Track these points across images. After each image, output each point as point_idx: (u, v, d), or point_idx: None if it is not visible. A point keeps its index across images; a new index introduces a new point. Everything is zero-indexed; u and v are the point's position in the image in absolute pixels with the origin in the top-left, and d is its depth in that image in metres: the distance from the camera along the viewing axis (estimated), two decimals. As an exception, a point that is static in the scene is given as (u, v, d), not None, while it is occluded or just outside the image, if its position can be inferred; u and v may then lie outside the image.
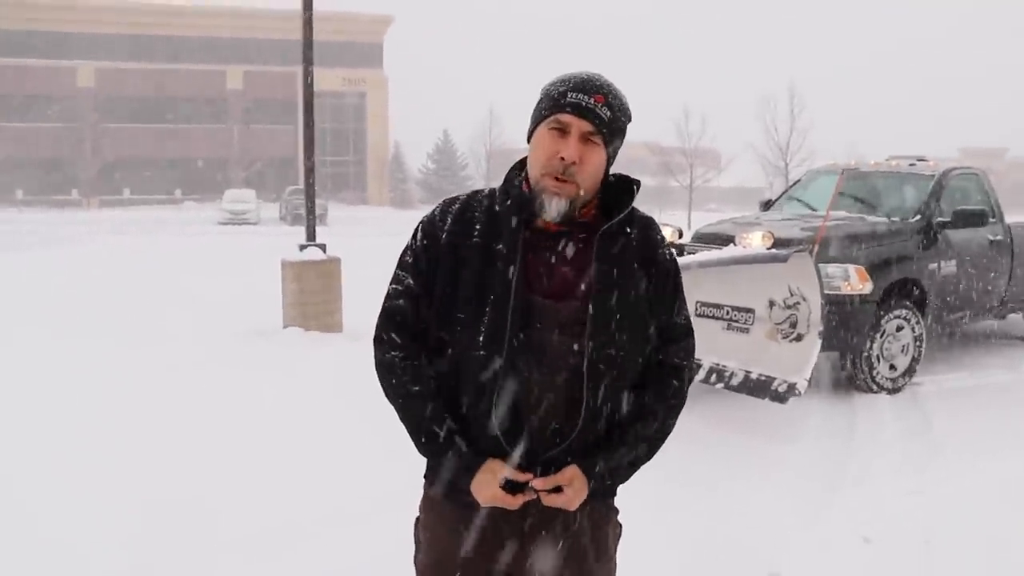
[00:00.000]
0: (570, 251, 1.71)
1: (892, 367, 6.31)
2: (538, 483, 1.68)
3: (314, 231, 8.67)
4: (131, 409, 5.35)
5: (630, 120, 1.74)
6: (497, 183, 1.83)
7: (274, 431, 4.94)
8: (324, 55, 31.32)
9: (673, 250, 1.86)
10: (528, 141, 1.74)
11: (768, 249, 5.53)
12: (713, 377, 5.27)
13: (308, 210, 8.75)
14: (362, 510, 3.75)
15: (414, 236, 1.78)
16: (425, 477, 1.84)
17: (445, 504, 1.78)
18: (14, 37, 47.49)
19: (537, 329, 1.67)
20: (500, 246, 1.69)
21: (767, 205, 8.38)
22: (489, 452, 1.69)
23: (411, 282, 1.75)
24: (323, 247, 8.34)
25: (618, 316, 1.69)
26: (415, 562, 1.88)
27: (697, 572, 3.40)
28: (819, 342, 4.93)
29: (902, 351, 6.34)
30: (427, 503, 1.84)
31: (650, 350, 1.77)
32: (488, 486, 1.67)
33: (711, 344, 5.28)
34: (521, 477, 1.68)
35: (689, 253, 6.20)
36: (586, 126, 1.65)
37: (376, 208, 49.38)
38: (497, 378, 1.65)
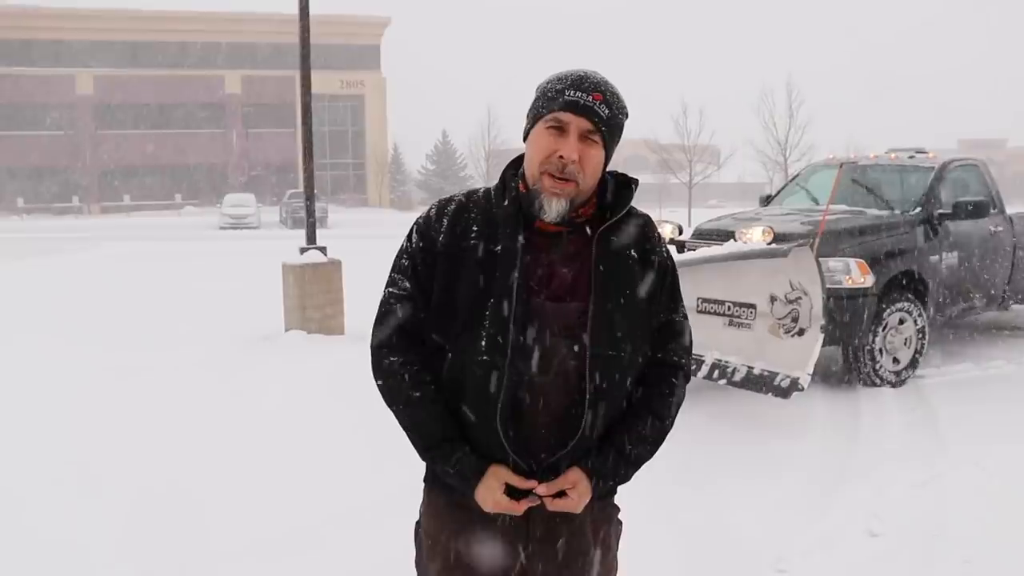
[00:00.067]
0: (569, 251, 1.69)
1: (895, 360, 6.30)
2: (542, 489, 1.66)
3: (314, 234, 8.66)
4: (134, 414, 5.35)
5: (627, 117, 1.73)
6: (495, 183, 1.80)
7: (277, 435, 4.94)
8: (322, 58, 31.40)
9: (670, 248, 1.85)
10: (524, 140, 1.72)
11: (769, 244, 5.52)
12: (716, 373, 5.26)
13: (308, 213, 8.75)
14: (365, 514, 3.74)
15: (409, 238, 1.75)
16: (425, 480, 1.82)
17: (448, 510, 1.76)
18: (12, 47, 47.54)
19: (537, 331, 1.65)
20: (499, 249, 1.66)
21: (767, 200, 8.38)
22: (491, 457, 1.66)
23: (408, 285, 1.72)
24: (324, 250, 8.34)
25: (618, 316, 1.67)
26: (416, 566, 1.86)
27: (702, 568, 3.39)
28: (821, 336, 4.92)
29: (905, 344, 6.32)
30: (429, 508, 1.82)
31: (649, 349, 1.76)
32: (492, 493, 1.65)
33: (713, 340, 5.28)
34: (525, 484, 1.66)
35: (690, 249, 6.20)
36: (585, 124, 1.63)
37: (376, 210, 49.36)
38: (499, 382, 1.63)
